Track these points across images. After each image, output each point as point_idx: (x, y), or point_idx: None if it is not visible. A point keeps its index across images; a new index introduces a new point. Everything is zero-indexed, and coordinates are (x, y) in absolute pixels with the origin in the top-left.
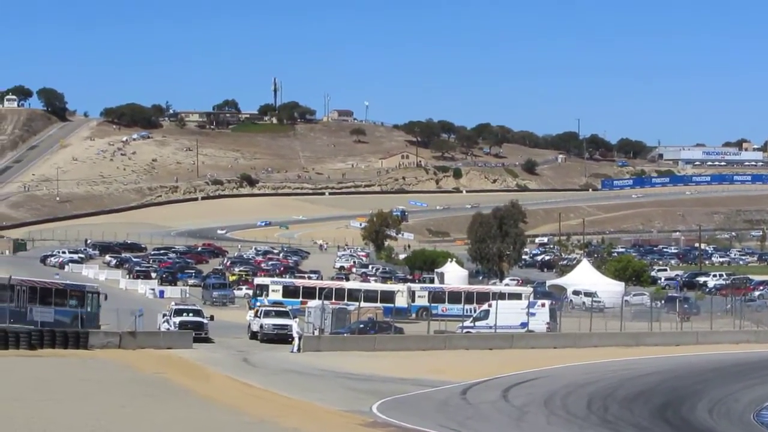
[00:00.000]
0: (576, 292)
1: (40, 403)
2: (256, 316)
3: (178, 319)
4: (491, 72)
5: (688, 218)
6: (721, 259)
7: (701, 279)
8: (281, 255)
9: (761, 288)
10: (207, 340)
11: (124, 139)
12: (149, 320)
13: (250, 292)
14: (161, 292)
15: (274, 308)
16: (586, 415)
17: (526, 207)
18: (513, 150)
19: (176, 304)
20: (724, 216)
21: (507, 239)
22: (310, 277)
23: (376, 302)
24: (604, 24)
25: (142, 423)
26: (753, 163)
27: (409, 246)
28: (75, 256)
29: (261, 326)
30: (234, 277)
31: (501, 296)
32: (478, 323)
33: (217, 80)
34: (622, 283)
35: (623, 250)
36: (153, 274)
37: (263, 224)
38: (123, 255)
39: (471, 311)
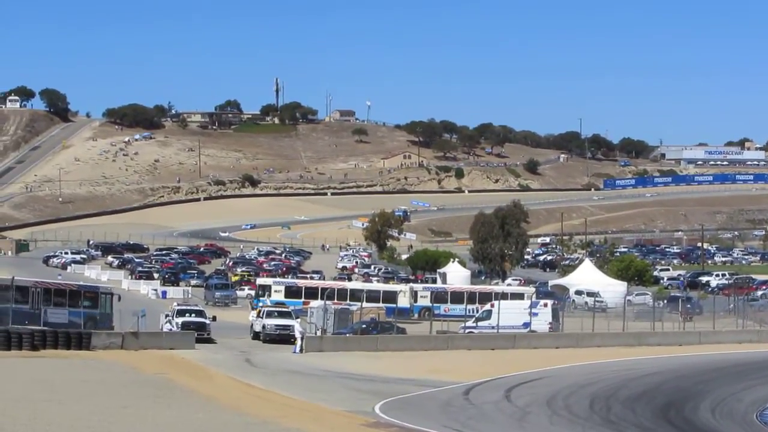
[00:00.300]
0: (578, 292)
1: (42, 403)
2: (258, 316)
3: (180, 320)
4: (493, 72)
5: (690, 218)
6: (723, 259)
7: (704, 279)
8: (283, 255)
9: (764, 288)
10: (209, 340)
11: (127, 139)
12: (152, 321)
13: (253, 292)
14: (164, 293)
15: (277, 309)
16: (588, 415)
17: (528, 207)
18: (515, 150)
19: (179, 305)
20: (726, 216)
21: (509, 239)
22: (312, 278)
23: (379, 302)
24: (606, 23)
25: (145, 423)
26: (755, 162)
27: (411, 246)
28: (77, 257)
29: (263, 327)
30: (236, 278)
31: (503, 296)
32: (480, 323)
33: (219, 81)
34: (625, 283)
35: (626, 249)
36: (155, 275)
37: (248, 227)
38: (125, 256)
39: (473, 311)
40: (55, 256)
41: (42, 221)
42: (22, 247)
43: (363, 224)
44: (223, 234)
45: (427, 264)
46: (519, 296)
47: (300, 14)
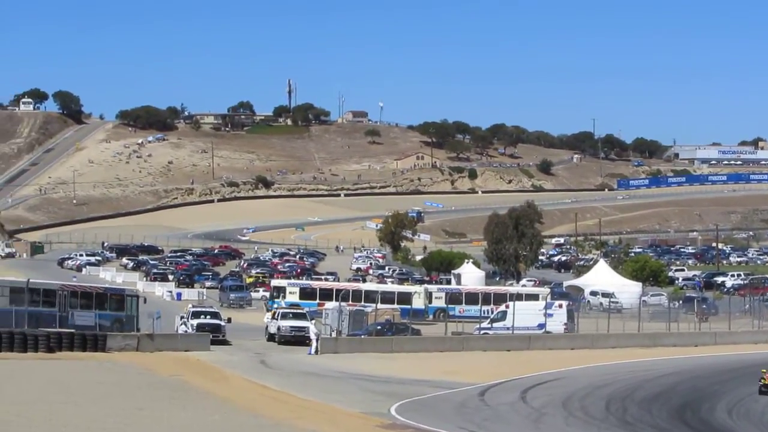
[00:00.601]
0: (593, 293)
1: (58, 405)
2: (273, 318)
3: (195, 322)
4: (506, 72)
5: (704, 218)
6: (738, 259)
7: (719, 279)
8: (298, 257)
9: None
10: (224, 342)
11: (140, 141)
12: (166, 323)
13: (267, 294)
14: (178, 295)
15: (291, 310)
16: (604, 416)
17: (542, 207)
18: (528, 150)
19: (193, 307)
20: (741, 215)
21: (523, 240)
22: (326, 279)
23: (393, 304)
24: (619, 24)
25: (160, 425)
26: None
27: (426, 247)
28: (92, 259)
29: (278, 328)
30: (251, 279)
31: (518, 297)
32: (495, 324)
33: (231, 82)
34: (640, 284)
35: (640, 250)
36: (170, 277)
37: (251, 230)
38: (140, 257)
39: (488, 312)
40: (69, 258)
41: (56, 223)
42: (37, 249)
43: (377, 225)
44: (243, 237)
45: (441, 265)
46: (534, 297)
47: (313, 15)
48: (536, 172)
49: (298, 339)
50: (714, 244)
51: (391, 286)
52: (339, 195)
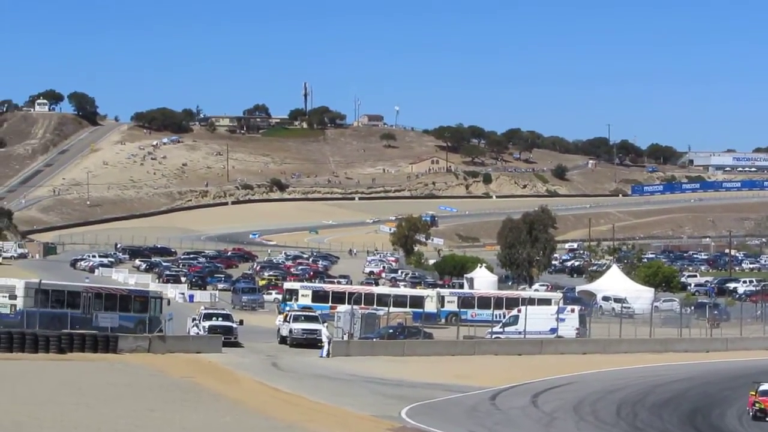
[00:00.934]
0: (606, 298)
1: (69, 406)
2: (285, 320)
3: (207, 324)
4: (522, 77)
5: (718, 224)
6: (751, 266)
7: (731, 285)
8: (311, 260)
9: None
10: (236, 344)
11: (155, 143)
12: (179, 324)
13: (280, 296)
14: (191, 297)
15: (304, 313)
16: (615, 421)
17: (556, 212)
18: (543, 155)
19: (206, 309)
20: (754, 222)
21: (537, 245)
22: (339, 282)
23: (406, 307)
24: (635, 30)
25: (172, 427)
26: None
27: (440, 251)
28: (105, 260)
29: (290, 331)
30: (263, 282)
31: (530, 302)
32: (507, 329)
33: (247, 85)
34: (652, 289)
35: (653, 255)
36: (183, 279)
37: (255, 236)
38: (153, 259)
39: (500, 317)
40: (82, 260)
41: (70, 224)
42: (49, 250)
43: (390, 229)
44: (270, 242)
45: (454, 269)
46: (546, 302)
47: (329, 19)
48: (551, 177)
49: (310, 342)
50: (727, 251)
51: (403, 290)
52: (353, 198)
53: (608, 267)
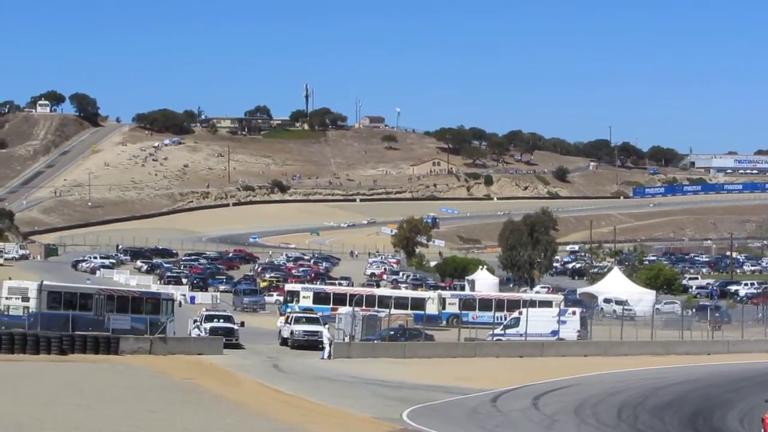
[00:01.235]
0: (607, 300)
1: (71, 407)
2: (286, 322)
3: (208, 325)
4: (523, 79)
5: (719, 226)
6: (752, 268)
7: (732, 288)
8: (312, 261)
9: None
10: (237, 346)
11: (156, 144)
12: (180, 326)
13: (281, 298)
14: (192, 298)
15: (305, 315)
16: (616, 423)
17: (557, 214)
18: (544, 157)
19: (207, 310)
20: (756, 224)
21: (538, 247)
22: (340, 284)
23: (407, 309)
24: (636, 31)
25: (173, 428)
26: None
27: (442, 253)
28: (106, 262)
29: (291, 332)
30: (265, 284)
31: (532, 304)
32: (508, 331)
33: (248, 86)
34: (653, 292)
35: (654, 258)
36: (184, 280)
37: (255, 239)
38: (154, 260)
39: (501, 319)
40: (84, 261)
41: (71, 226)
42: (51, 251)
43: (391, 231)
44: (289, 245)
45: (455, 271)
46: (547, 304)
47: (330, 20)
48: (552, 179)
49: (311, 343)
50: (728, 253)
51: (404, 292)
52: (354, 200)
53: (609, 269)
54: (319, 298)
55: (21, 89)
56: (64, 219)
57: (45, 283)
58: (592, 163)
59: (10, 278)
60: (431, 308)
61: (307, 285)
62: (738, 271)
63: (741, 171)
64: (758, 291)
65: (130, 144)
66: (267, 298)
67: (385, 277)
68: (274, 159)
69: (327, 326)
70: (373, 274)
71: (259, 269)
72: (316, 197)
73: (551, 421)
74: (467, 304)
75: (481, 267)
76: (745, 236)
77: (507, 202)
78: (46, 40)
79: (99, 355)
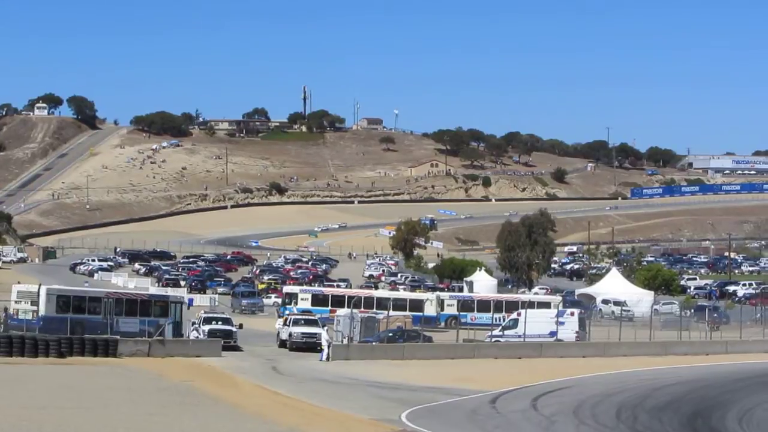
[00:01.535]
0: (605, 301)
1: (69, 410)
2: (285, 324)
3: (207, 328)
4: (521, 80)
5: (717, 227)
6: (750, 269)
7: (731, 288)
8: (310, 263)
9: None
10: (236, 348)
11: (154, 147)
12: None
13: (279, 300)
14: (190, 300)
15: (303, 317)
16: (615, 424)
17: (556, 215)
18: (542, 158)
19: (205, 313)
20: (753, 225)
21: (536, 248)
22: (339, 286)
23: (405, 311)
24: (634, 33)
25: (171, 431)
26: None
27: (440, 255)
28: (104, 264)
29: (290, 334)
30: (263, 286)
31: (530, 305)
32: (506, 332)
33: (246, 88)
34: (652, 292)
35: (653, 259)
36: (182, 282)
37: (256, 243)
38: (152, 263)
39: (500, 320)
40: (82, 264)
41: (69, 228)
42: (49, 254)
43: (389, 233)
44: (309, 247)
45: (453, 272)
46: (546, 305)
47: (328, 22)
48: (550, 180)
49: (310, 345)
50: (726, 254)
51: (403, 293)
52: (352, 202)
53: (608, 270)
54: (318, 300)
55: (19, 92)
56: (62, 222)
57: (53, 287)
58: (590, 164)
59: (18, 282)
60: (429, 310)
61: (305, 287)
62: (736, 271)
63: (739, 172)
64: (756, 291)
65: (128, 146)
66: (265, 300)
67: (383, 278)
68: (272, 161)
69: (325, 328)
70: (371, 276)
71: (258, 271)
72: (314, 199)
73: (550, 422)
74: (466, 305)
75: (479, 268)
76: (743, 237)
77: (505, 203)
78: (43, 42)
79: (97, 358)
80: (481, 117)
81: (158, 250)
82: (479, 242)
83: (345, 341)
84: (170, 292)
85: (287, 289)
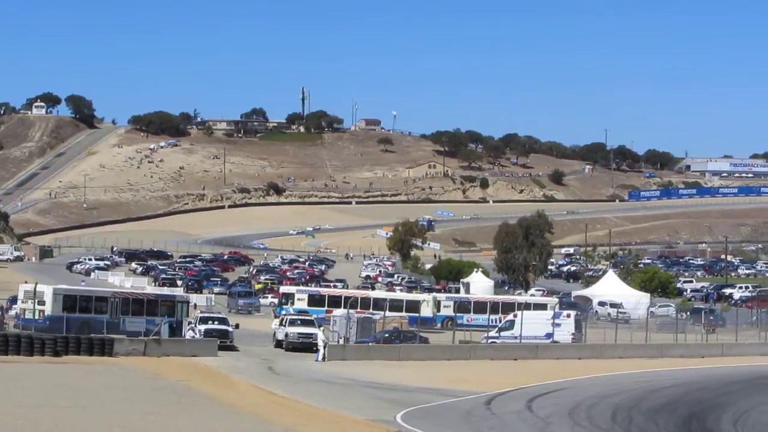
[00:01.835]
0: (601, 303)
1: (65, 409)
2: (281, 324)
3: (203, 327)
4: (519, 82)
5: (714, 230)
6: (747, 271)
7: (727, 291)
8: (307, 264)
9: None
10: (232, 348)
11: (152, 146)
12: None
13: (276, 300)
14: None
15: (300, 317)
16: (610, 426)
17: (553, 217)
18: (540, 160)
19: (202, 312)
20: (750, 228)
21: (533, 249)
22: (335, 286)
23: (402, 312)
24: (632, 34)
25: (167, 430)
26: None
27: (437, 256)
28: (101, 263)
29: (286, 335)
30: (259, 286)
31: (526, 307)
32: (503, 333)
33: (245, 89)
34: (648, 295)
35: (649, 261)
36: (179, 282)
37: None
38: (149, 262)
39: (496, 321)
40: (78, 263)
41: (66, 227)
42: (45, 253)
43: (387, 233)
44: (331, 250)
45: (450, 274)
46: (542, 307)
47: (326, 23)
48: (548, 182)
49: (306, 345)
50: (723, 256)
51: (399, 294)
52: (350, 203)
53: (604, 272)
54: (314, 300)
55: (17, 91)
56: (59, 221)
57: (60, 286)
58: (587, 167)
59: (26, 282)
60: (426, 311)
61: (301, 287)
62: (733, 274)
63: (736, 174)
64: (753, 294)
65: (125, 146)
66: (262, 300)
67: (380, 279)
68: (270, 161)
69: (322, 328)
70: (368, 277)
71: (254, 271)
72: (311, 200)
73: (545, 423)
74: (462, 306)
75: (476, 270)
76: (739, 240)
77: (503, 205)
78: (42, 41)
79: (93, 357)
80: (479, 118)
81: (155, 249)
82: (476, 243)
83: (341, 342)
84: (166, 291)
85: (284, 289)
